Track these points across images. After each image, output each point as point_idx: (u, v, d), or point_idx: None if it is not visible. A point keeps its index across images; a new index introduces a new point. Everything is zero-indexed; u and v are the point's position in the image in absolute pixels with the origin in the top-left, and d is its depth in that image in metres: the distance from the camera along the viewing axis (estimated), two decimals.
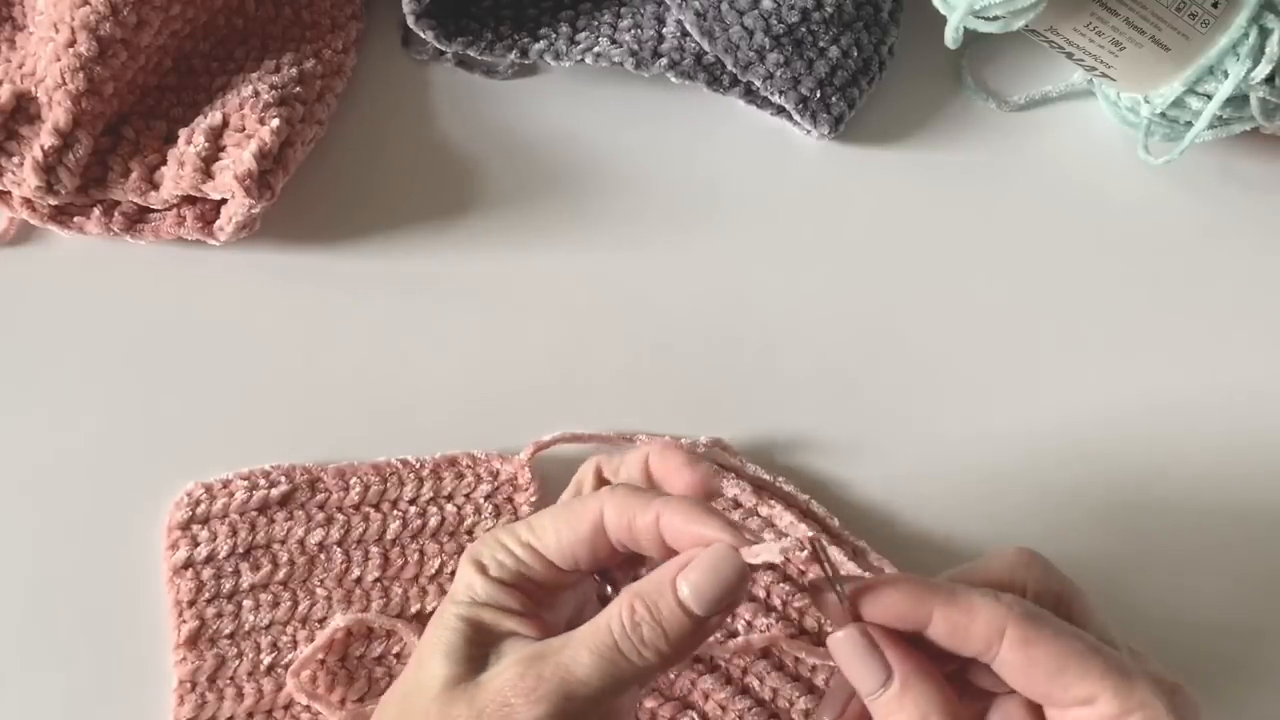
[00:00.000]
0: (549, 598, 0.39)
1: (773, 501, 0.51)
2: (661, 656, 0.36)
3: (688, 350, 0.54)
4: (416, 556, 0.50)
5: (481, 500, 0.51)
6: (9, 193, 0.52)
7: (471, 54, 0.57)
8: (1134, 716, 0.34)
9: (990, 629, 0.35)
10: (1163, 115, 0.54)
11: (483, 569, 0.38)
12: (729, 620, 0.50)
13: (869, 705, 0.36)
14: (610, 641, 0.35)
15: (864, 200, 0.57)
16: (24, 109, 0.51)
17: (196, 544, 0.50)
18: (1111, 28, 0.51)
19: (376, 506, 0.51)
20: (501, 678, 0.35)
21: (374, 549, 0.50)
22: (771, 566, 0.40)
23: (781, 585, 0.50)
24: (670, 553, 0.37)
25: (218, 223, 0.52)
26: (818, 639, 0.49)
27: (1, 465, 0.51)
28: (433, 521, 0.51)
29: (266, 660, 0.49)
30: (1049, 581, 0.38)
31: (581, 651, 0.35)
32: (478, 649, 0.37)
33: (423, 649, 0.38)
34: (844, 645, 0.36)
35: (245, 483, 0.50)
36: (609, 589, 0.41)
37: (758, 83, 0.56)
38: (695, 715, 0.49)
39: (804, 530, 0.50)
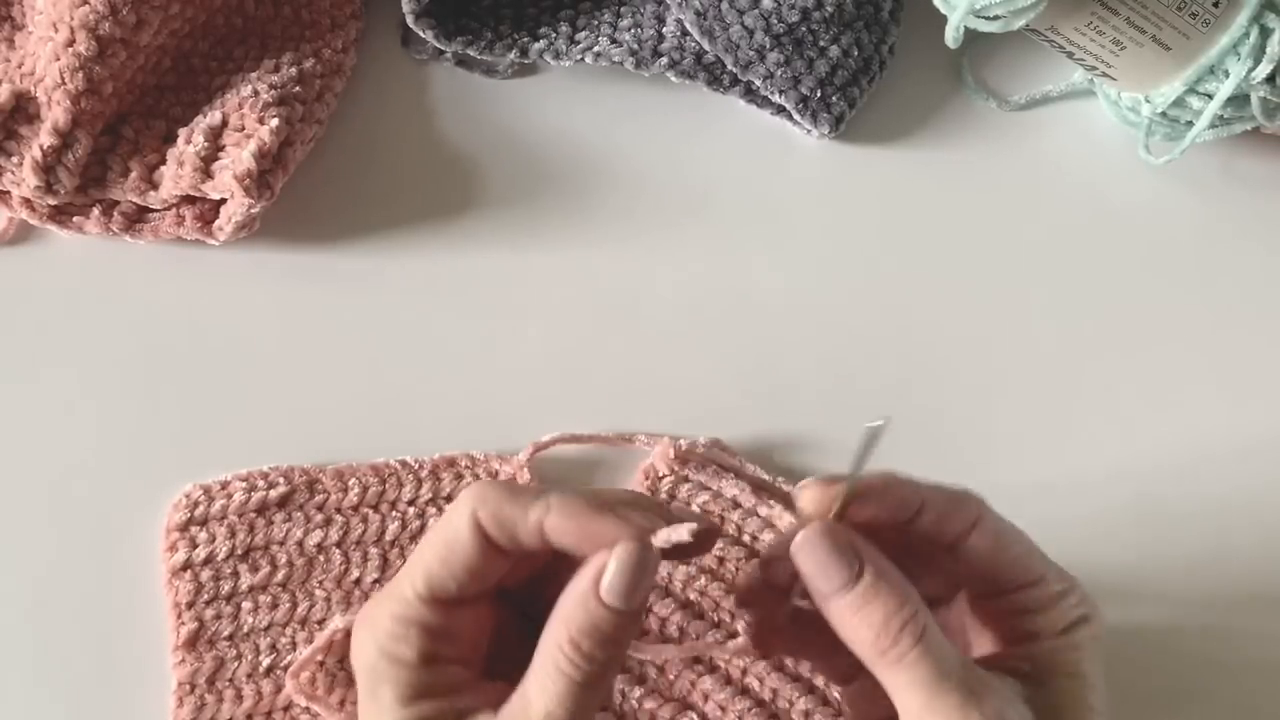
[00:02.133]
0: (471, 638, 0.38)
1: (772, 501, 0.51)
2: (616, 660, 0.36)
3: (687, 350, 0.54)
4: None
5: None
6: (8, 193, 0.52)
7: (471, 53, 0.57)
8: (1072, 593, 0.38)
9: (967, 519, 0.38)
10: (1163, 115, 0.54)
11: (395, 657, 0.36)
12: (729, 620, 0.50)
13: (828, 604, 0.36)
14: (569, 683, 0.35)
15: (864, 200, 0.57)
16: (23, 109, 0.51)
17: (195, 546, 0.50)
18: (1112, 27, 0.51)
19: (375, 508, 0.51)
20: None
21: (373, 550, 0.50)
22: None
23: None
24: (556, 551, 0.37)
25: (217, 223, 0.52)
26: None
27: (0, 465, 0.51)
28: (432, 523, 0.51)
29: (265, 662, 0.49)
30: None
31: (551, 707, 0.35)
32: None
33: None
34: (814, 541, 0.36)
35: (244, 484, 0.50)
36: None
37: (758, 82, 0.56)
38: (695, 715, 0.49)
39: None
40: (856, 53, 0.57)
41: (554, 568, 0.39)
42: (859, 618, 0.35)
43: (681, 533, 0.35)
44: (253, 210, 0.51)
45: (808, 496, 0.37)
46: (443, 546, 0.36)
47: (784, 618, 0.40)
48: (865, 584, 0.35)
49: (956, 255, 0.56)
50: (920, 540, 0.38)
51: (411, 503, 0.51)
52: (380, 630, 0.37)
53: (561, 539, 0.36)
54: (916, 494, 0.38)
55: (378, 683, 0.36)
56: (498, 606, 0.39)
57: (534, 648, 0.36)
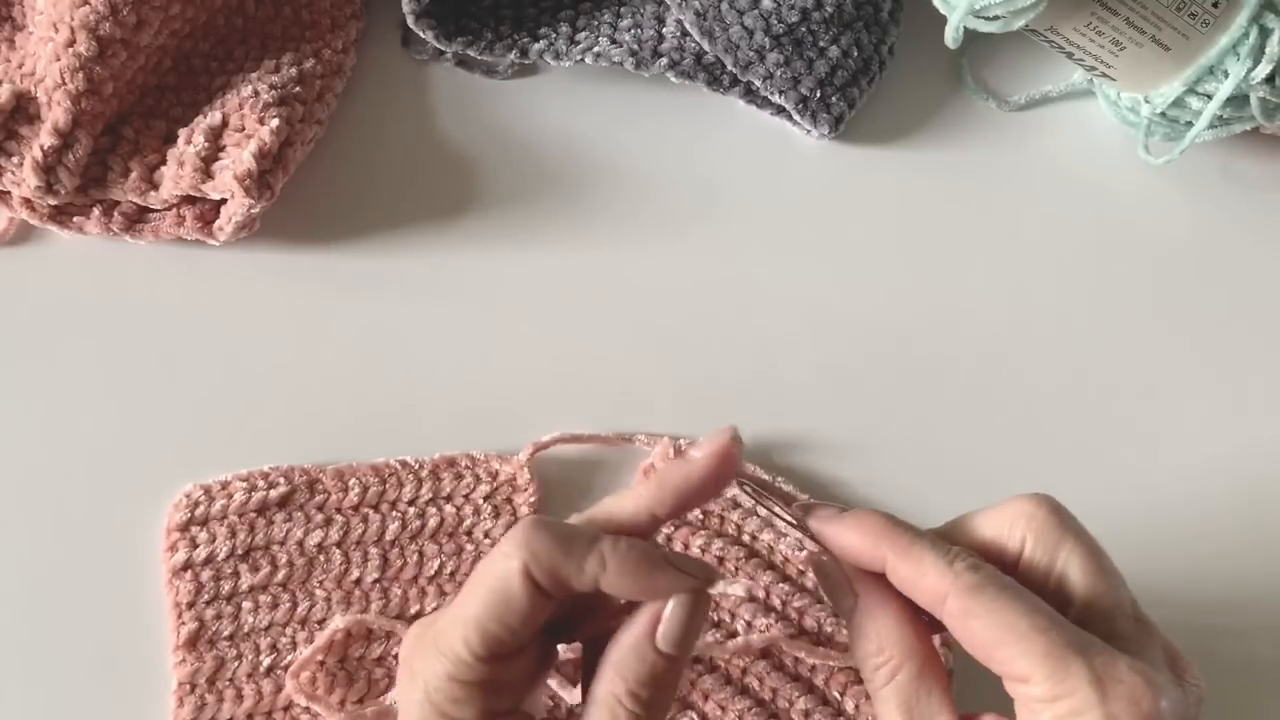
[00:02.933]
0: (516, 691, 0.37)
1: (772, 501, 0.51)
2: (670, 701, 0.36)
3: (687, 350, 0.54)
4: (416, 558, 0.50)
5: (481, 501, 0.51)
6: (9, 193, 0.52)
7: (471, 54, 0.57)
8: (1061, 703, 0.34)
9: (934, 593, 0.36)
10: (1163, 115, 0.54)
11: None
12: (729, 620, 0.50)
13: (847, 617, 0.39)
14: None
15: (864, 200, 0.57)
16: (24, 109, 0.51)
17: (195, 546, 0.50)
18: (1111, 27, 0.51)
19: (375, 508, 0.51)
20: None
21: (373, 550, 0.50)
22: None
23: (781, 585, 0.50)
24: (608, 601, 0.37)
25: (217, 223, 0.52)
26: (818, 639, 0.49)
27: (0, 465, 0.51)
28: (432, 523, 0.51)
29: (266, 662, 0.49)
30: (1046, 538, 0.37)
31: None
32: None
33: None
34: (820, 567, 0.39)
35: (244, 484, 0.50)
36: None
37: (758, 83, 0.56)
38: (695, 715, 0.49)
39: (805, 538, 0.50)
40: (856, 53, 0.57)
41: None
42: (853, 643, 0.38)
43: (738, 589, 0.36)
44: (253, 210, 0.51)
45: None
46: (496, 601, 0.35)
47: None
48: (857, 616, 0.38)
49: (956, 255, 0.56)
50: None
51: (411, 503, 0.51)
52: (435, 691, 0.36)
53: (619, 592, 0.36)
54: (878, 551, 0.37)
55: None
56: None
57: (550, 649, 0.38)
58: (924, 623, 0.38)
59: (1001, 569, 0.37)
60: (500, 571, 0.35)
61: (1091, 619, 0.36)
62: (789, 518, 0.40)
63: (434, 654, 0.36)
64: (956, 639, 0.36)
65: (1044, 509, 0.38)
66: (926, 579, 0.36)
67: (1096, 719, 0.33)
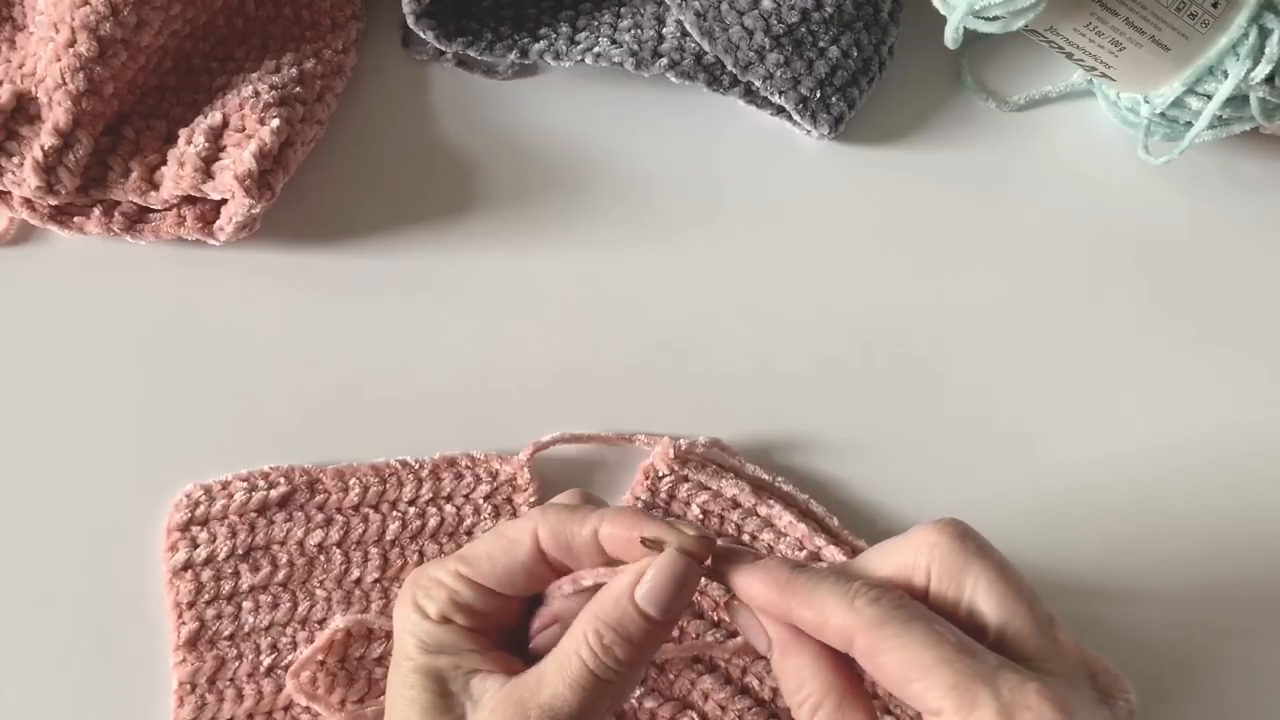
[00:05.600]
0: (495, 622, 0.39)
1: (772, 501, 0.51)
2: (635, 665, 0.37)
3: (687, 350, 0.54)
4: (416, 558, 0.50)
5: (481, 501, 0.51)
6: (9, 193, 0.52)
7: (471, 54, 0.57)
8: None
9: (842, 636, 0.36)
10: (1163, 115, 0.54)
11: (422, 611, 0.39)
12: (729, 620, 0.50)
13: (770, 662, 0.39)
14: (585, 671, 0.36)
15: (864, 200, 0.57)
16: (24, 109, 0.51)
17: (196, 545, 0.50)
18: (1111, 28, 0.51)
19: (376, 508, 0.51)
20: None
21: (373, 550, 0.50)
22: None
23: None
24: (608, 560, 0.38)
25: (218, 223, 0.52)
26: None
27: (0, 465, 0.51)
28: (432, 522, 0.51)
29: (266, 661, 0.49)
30: (950, 565, 0.37)
31: (561, 689, 0.36)
32: (448, 700, 0.37)
33: (394, 713, 0.38)
34: (734, 612, 0.39)
35: (244, 484, 0.50)
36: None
37: (758, 83, 0.56)
38: (695, 715, 0.49)
39: (804, 530, 0.50)
40: (856, 53, 0.57)
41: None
42: (779, 680, 0.39)
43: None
44: (253, 210, 0.51)
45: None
46: (498, 544, 0.39)
47: None
48: (774, 657, 0.38)
49: (956, 255, 0.56)
50: None
51: (411, 503, 0.51)
52: (418, 585, 0.39)
53: (614, 546, 0.38)
54: (782, 601, 0.37)
55: (403, 630, 0.39)
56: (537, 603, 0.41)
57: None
58: (841, 656, 0.38)
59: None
60: (514, 524, 0.39)
61: (1005, 641, 0.36)
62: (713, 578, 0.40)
63: (436, 562, 0.39)
64: (873, 675, 0.36)
65: (946, 535, 0.37)
66: (831, 622, 0.36)
67: None
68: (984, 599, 0.36)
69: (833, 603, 0.36)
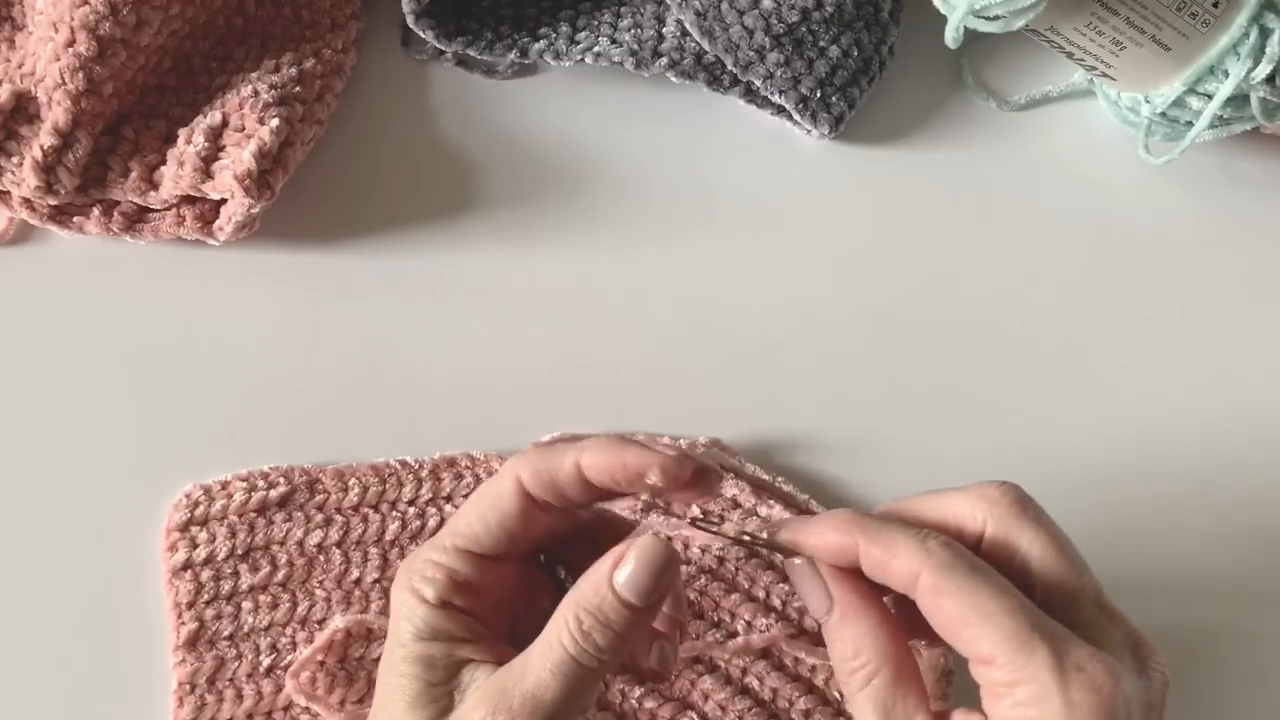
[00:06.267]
0: (492, 600, 0.39)
1: (772, 501, 0.51)
2: (616, 652, 0.37)
3: (687, 350, 0.54)
4: None
5: None
6: (8, 193, 0.52)
7: (471, 54, 0.57)
8: (1021, 688, 0.34)
9: (907, 571, 0.36)
10: (1163, 115, 0.54)
11: (419, 595, 0.38)
12: (729, 620, 0.50)
13: (823, 625, 0.39)
14: (566, 657, 0.36)
15: (864, 200, 0.57)
16: (23, 109, 0.51)
17: (195, 546, 0.50)
18: (1111, 27, 0.51)
19: (375, 508, 0.51)
20: (473, 718, 0.36)
21: (373, 550, 0.50)
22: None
23: (781, 585, 0.50)
24: (595, 491, 0.38)
25: (217, 223, 0.52)
26: (818, 639, 0.49)
27: (0, 465, 0.51)
28: (432, 523, 0.51)
29: (266, 662, 0.49)
30: (1007, 523, 0.38)
31: (544, 676, 0.36)
32: (438, 688, 0.37)
33: (383, 699, 0.38)
34: (796, 573, 0.39)
35: (244, 484, 0.50)
36: (562, 573, 0.42)
37: (758, 82, 0.56)
38: (695, 715, 0.49)
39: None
40: (856, 53, 0.57)
41: (598, 539, 0.41)
42: (831, 647, 0.38)
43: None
44: (253, 210, 0.51)
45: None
46: (485, 503, 0.39)
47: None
48: (833, 621, 0.38)
49: (956, 255, 0.56)
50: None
51: (411, 503, 0.51)
52: (414, 570, 0.39)
53: (598, 475, 0.38)
54: (849, 539, 0.37)
55: (399, 617, 0.38)
56: (539, 573, 0.41)
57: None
58: (901, 627, 0.38)
59: None
60: (495, 480, 0.39)
61: (1053, 605, 0.36)
62: (759, 540, 0.40)
63: (429, 544, 0.39)
64: (926, 617, 0.36)
65: (1008, 496, 0.38)
66: (899, 559, 0.36)
67: (1056, 706, 0.34)
68: (1038, 562, 0.37)
69: (903, 541, 0.36)
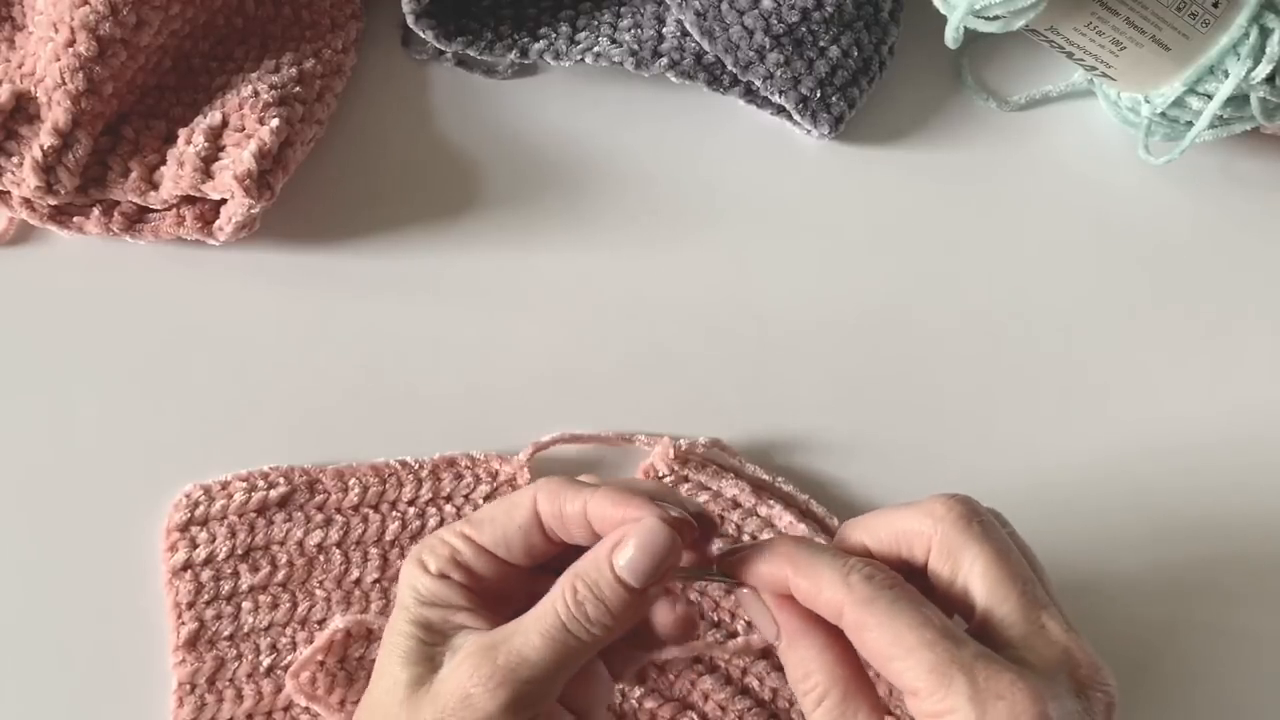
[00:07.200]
0: (494, 590, 0.40)
1: (772, 501, 0.51)
2: (607, 629, 0.38)
3: (687, 350, 0.54)
4: None
5: (480, 501, 0.51)
6: (8, 193, 0.52)
7: (471, 54, 0.57)
8: (946, 719, 0.34)
9: (832, 604, 0.37)
10: (1163, 115, 0.54)
11: (424, 566, 0.40)
12: (729, 620, 0.50)
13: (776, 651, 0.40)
14: (558, 623, 0.37)
15: (864, 200, 0.57)
16: (23, 109, 0.51)
17: (195, 546, 0.50)
18: (1112, 27, 0.51)
19: (375, 508, 0.51)
20: (459, 671, 0.37)
21: (373, 550, 0.50)
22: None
23: None
24: (595, 536, 0.39)
25: (217, 223, 0.52)
26: None
27: (0, 465, 0.51)
28: (432, 523, 0.51)
29: (266, 662, 0.49)
30: (951, 542, 0.38)
31: (532, 636, 0.37)
32: (432, 648, 0.38)
33: (381, 658, 0.39)
34: (743, 601, 0.40)
35: (244, 484, 0.50)
36: None
37: (758, 82, 0.56)
38: (695, 715, 0.49)
39: (803, 529, 0.50)
40: (856, 53, 0.57)
41: None
42: (786, 670, 0.39)
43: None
44: (253, 210, 0.51)
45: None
46: (501, 507, 0.40)
47: None
48: (782, 646, 0.39)
49: (956, 255, 0.56)
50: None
51: (411, 503, 0.51)
52: (424, 545, 0.40)
53: (601, 524, 0.38)
54: (780, 571, 0.38)
55: (404, 586, 0.40)
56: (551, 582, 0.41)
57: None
58: (849, 646, 0.38)
59: (911, 568, 0.38)
60: (515, 494, 0.40)
61: (990, 626, 0.37)
62: (708, 575, 0.41)
63: (446, 528, 0.40)
64: (858, 650, 0.37)
65: (954, 512, 0.38)
66: (824, 593, 0.37)
67: None
68: (977, 581, 0.37)
69: (828, 575, 0.37)
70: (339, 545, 0.50)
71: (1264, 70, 0.50)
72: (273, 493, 0.50)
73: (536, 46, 0.57)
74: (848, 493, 0.53)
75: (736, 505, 0.51)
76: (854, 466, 0.53)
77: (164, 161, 0.52)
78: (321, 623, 0.49)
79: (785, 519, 0.50)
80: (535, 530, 0.39)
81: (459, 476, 0.51)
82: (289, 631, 0.49)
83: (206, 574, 0.49)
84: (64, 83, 0.50)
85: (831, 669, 0.38)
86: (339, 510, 0.51)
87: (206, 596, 0.49)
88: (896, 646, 0.35)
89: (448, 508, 0.51)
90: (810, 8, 0.55)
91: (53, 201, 0.52)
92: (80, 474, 0.51)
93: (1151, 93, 0.54)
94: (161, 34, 0.53)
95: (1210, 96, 0.52)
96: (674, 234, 0.56)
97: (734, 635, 0.49)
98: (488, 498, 0.51)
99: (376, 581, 0.50)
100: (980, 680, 0.34)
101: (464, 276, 0.55)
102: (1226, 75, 0.51)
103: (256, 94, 0.53)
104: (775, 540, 0.39)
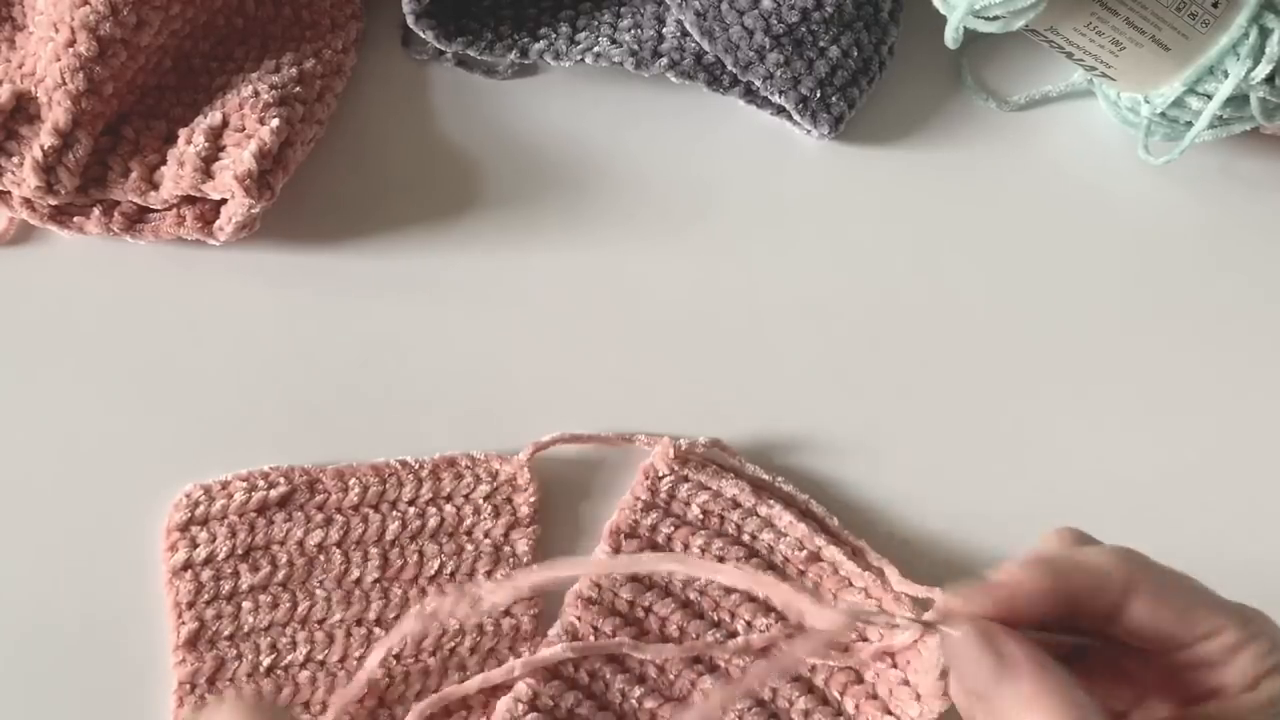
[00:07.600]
0: None
1: (772, 501, 0.51)
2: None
3: (687, 350, 0.54)
4: (416, 558, 0.50)
5: (481, 501, 0.51)
6: (9, 193, 0.52)
7: (471, 54, 0.57)
8: (1257, 641, 0.35)
9: (1121, 585, 0.35)
10: (1163, 115, 0.54)
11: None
12: (729, 620, 0.50)
13: (987, 702, 0.34)
14: None
15: (864, 200, 0.57)
16: (24, 109, 0.51)
17: (195, 545, 0.50)
18: (1111, 28, 0.51)
19: (376, 508, 0.51)
20: None
21: (373, 550, 0.50)
22: None
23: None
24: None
25: (217, 223, 0.52)
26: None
27: (0, 466, 0.51)
28: (432, 522, 0.51)
29: (266, 662, 0.49)
30: (1259, 665, 0.36)
31: None
32: None
33: None
34: (964, 644, 0.34)
35: (244, 484, 0.50)
36: None
37: (758, 83, 0.56)
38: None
39: (803, 529, 0.50)
40: (856, 53, 0.57)
41: None
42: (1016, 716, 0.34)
43: None
44: (253, 210, 0.51)
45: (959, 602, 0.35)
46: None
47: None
48: (1019, 686, 0.33)
49: (956, 255, 0.56)
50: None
51: (411, 503, 0.51)
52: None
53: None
54: (1060, 579, 0.35)
55: None
56: None
57: None
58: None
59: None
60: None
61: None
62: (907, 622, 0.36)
63: None
64: (1133, 630, 0.35)
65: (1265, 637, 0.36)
66: (1115, 575, 0.35)
67: None
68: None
69: (1105, 558, 0.36)
70: (339, 545, 0.50)
71: (1264, 70, 0.51)
72: (273, 493, 0.50)
73: (536, 46, 0.57)
74: (848, 493, 0.53)
75: (736, 505, 0.51)
76: (854, 466, 0.53)
77: (164, 161, 0.52)
78: (322, 623, 0.49)
79: (785, 519, 0.50)
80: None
81: (459, 476, 0.51)
82: (289, 631, 0.49)
83: (207, 574, 0.49)
84: (64, 83, 0.50)
85: (1084, 696, 0.34)
86: (339, 510, 0.51)
87: (206, 596, 0.49)
88: (1193, 594, 0.36)
89: (448, 508, 0.51)
90: (810, 8, 0.55)
91: (53, 201, 0.52)
92: (80, 474, 0.51)
93: (1151, 93, 0.54)
94: (162, 34, 0.53)
95: (1210, 96, 0.52)
96: (674, 233, 0.56)
97: (734, 635, 0.49)
98: (487, 497, 0.51)
99: (377, 581, 0.50)
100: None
101: (464, 276, 0.55)
102: (1226, 75, 0.51)
103: (257, 94, 0.53)
104: (1020, 563, 0.35)
